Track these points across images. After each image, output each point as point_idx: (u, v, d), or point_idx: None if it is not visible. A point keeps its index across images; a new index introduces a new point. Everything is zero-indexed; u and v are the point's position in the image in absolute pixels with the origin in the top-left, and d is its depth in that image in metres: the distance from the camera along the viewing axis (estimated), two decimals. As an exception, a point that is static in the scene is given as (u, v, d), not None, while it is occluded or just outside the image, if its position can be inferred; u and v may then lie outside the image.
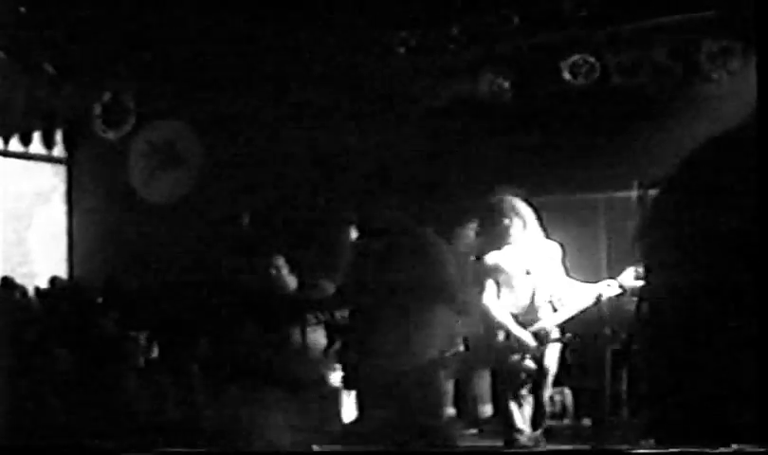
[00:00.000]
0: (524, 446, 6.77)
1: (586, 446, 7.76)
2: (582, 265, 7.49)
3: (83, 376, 8.73)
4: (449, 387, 8.22)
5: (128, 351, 9.00)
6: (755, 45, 3.96)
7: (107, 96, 11.11)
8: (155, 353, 9.03)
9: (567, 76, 9.33)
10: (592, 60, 9.21)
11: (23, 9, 9.55)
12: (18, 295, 10.70)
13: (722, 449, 3.37)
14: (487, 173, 9.22)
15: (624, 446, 6.40)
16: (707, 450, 3.32)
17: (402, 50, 9.80)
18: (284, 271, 7.86)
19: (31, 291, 10.92)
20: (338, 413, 8.31)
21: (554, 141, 9.27)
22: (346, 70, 10.13)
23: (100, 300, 10.44)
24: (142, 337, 9.06)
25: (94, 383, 8.61)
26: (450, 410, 8.27)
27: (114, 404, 8.39)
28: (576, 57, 9.31)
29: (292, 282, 8.16)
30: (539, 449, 6.83)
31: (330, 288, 8.12)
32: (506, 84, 9.61)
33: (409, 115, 9.97)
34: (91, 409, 8.19)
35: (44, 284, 11.09)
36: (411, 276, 6.60)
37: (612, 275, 6.74)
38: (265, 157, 10.70)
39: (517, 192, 7.51)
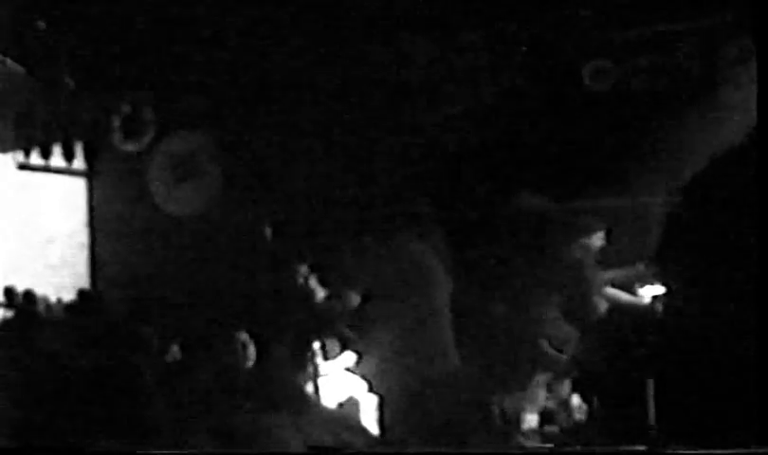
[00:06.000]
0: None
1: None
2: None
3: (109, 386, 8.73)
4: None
5: (153, 360, 9.01)
6: (756, 47, 3.91)
7: (127, 108, 11.12)
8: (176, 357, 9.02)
9: (588, 81, 9.28)
10: (611, 65, 9.16)
11: (41, 24, 9.57)
12: (42, 309, 10.75)
13: (723, 451, 3.36)
14: (508, 180, 9.19)
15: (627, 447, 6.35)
16: (709, 451, 3.31)
17: (421, 58, 9.77)
18: (312, 281, 7.87)
19: (55, 304, 10.95)
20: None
21: (573, 147, 9.21)
22: (369, 79, 10.10)
23: (126, 310, 10.46)
24: (175, 348, 9.06)
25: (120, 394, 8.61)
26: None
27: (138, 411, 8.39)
28: (596, 62, 9.25)
29: (320, 291, 8.17)
30: (540, 450, 6.82)
31: (355, 299, 8.12)
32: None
33: (429, 122, 9.93)
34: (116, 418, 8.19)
35: (67, 297, 11.10)
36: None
37: (626, 283, 6.70)
38: (287, 167, 10.67)
39: (538, 199, 7.48)
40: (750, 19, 7.41)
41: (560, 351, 7.42)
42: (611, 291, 7.34)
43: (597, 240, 8.19)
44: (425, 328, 6.93)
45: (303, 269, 9.25)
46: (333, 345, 7.95)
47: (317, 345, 8.09)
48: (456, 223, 8.22)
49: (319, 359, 8.17)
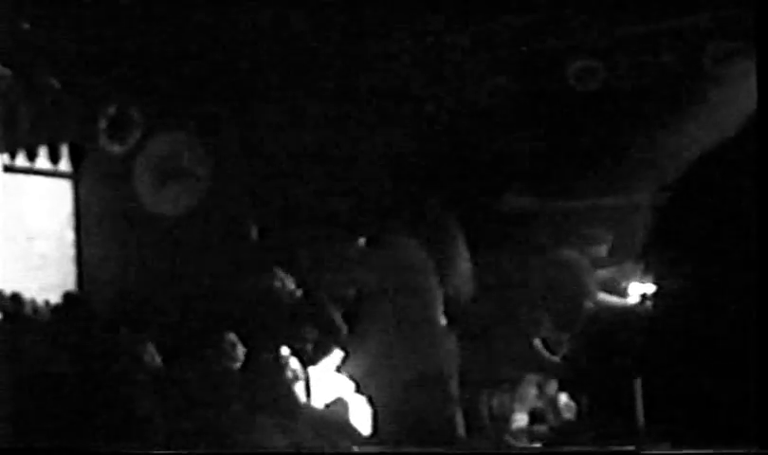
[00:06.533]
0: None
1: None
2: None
3: (94, 388, 8.71)
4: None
5: (137, 362, 8.98)
6: (755, 47, 3.91)
7: (112, 109, 11.08)
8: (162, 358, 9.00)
9: (572, 81, 9.29)
10: (597, 65, 9.17)
11: (27, 25, 9.53)
12: (29, 310, 10.72)
13: (720, 451, 3.38)
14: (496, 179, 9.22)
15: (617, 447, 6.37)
16: (698, 452, 3.33)
17: (408, 57, 9.78)
18: (288, 284, 7.86)
19: (42, 305, 10.93)
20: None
21: (560, 146, 9.23)
22: (357, 81, 10.09)
23: (110, 313, 10.44)
24: (152, 349, 9.03)
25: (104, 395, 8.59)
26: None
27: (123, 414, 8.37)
28: (581, 62, 9.26)
29: (296, 294, 8.17)
30: (538, 449, 6.82)
31: (344, 300, 8.11)
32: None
33: (416, 121, 9.94)
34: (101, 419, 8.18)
35: (53, 299, 11.08)
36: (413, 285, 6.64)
37: (615, 283, 6.72)
38: (273, 169, 10.67)
39: (525, 198, 7.49)
40: (745, 17, 7.46)
41: (554, 352, 7.44)
42: (602, 295, 7.34)
43: (602, 251, 8.22)
44: (415, 328, 6.93)
45: (291, 269, 9.25)
46: (320, 346, 7.94)
47: (304, 346, 8.08)
48: (450, 223, 8.21)
49: (306, 360, 8.16)
